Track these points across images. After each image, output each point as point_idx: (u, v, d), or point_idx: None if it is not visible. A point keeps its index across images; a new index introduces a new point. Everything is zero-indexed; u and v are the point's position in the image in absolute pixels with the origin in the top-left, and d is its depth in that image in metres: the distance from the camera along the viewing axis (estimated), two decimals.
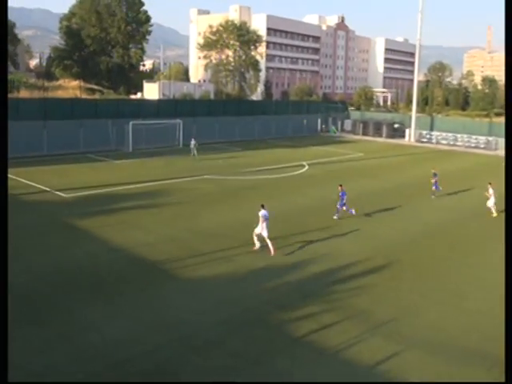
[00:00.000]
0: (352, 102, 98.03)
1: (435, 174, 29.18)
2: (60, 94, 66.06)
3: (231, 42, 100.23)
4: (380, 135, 65.79)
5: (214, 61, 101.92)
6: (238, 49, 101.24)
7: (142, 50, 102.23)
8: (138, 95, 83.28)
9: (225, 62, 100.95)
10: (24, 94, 60.03)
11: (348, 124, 70.94)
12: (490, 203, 24.95)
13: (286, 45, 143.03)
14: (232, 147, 51.75)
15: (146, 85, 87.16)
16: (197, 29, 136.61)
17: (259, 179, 34.30)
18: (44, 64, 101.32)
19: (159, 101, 60.25)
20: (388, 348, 12.07)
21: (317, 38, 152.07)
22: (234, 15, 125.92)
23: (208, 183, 32.32)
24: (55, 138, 43.95)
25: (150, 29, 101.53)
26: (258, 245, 18.93)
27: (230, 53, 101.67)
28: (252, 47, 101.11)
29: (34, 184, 30.54)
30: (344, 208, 23.48)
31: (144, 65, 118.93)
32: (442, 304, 14.53)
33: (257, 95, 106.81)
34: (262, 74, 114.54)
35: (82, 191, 28.89)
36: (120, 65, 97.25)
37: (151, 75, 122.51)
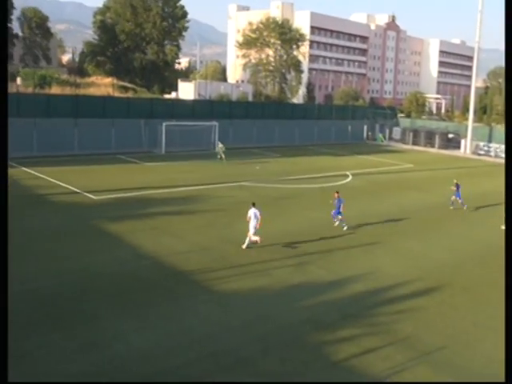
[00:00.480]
0: (402, 108, 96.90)
1: (457, 185, 29.32)
2: (92, 91, 67.92)
3: (272, 40, 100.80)
4: (432, 145, 64.73)
5: (253, 60, 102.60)
6: (279, 48, 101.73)
7: (178, 47, 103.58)
8: (173, 95, 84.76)
9: (265, 61, 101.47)
10: (56, 90, 61.84)
11: (397, 132, 70.17)
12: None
13: (331, 45, 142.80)
14: (270, 153, 51.98)
15: (181, 84, 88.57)
16: (236, 26, 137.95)
17: (299, 188, 34.33)
18: (76, 60, 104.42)
19: (194, 101, 61.47)
20: (437, 379, 11.79)
21: (365, 38, 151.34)
22: (275, 12, 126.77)
23: (244, 190, 32.58)
24: (86, 137, 45.38)
25: (186, 25, 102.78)
26: (249, 241, 20.44)
27: (270, 52, 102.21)
28: (294, 46, 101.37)
29: (63, 184, 31.49)
30: (340, 216, 23.79)
31: (179, 63, 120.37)
32: (498, 333, 13.97)
33: (298, 98, 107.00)
34: (305, 76, 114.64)
35: (112, 194, 29.57)
36: (154, 62, 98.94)
37: (187, 74, 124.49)
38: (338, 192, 24.46)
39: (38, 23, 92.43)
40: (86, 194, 29.22)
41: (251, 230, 20.35)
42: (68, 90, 63.15)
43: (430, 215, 28.03)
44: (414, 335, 13.81)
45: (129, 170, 38.90)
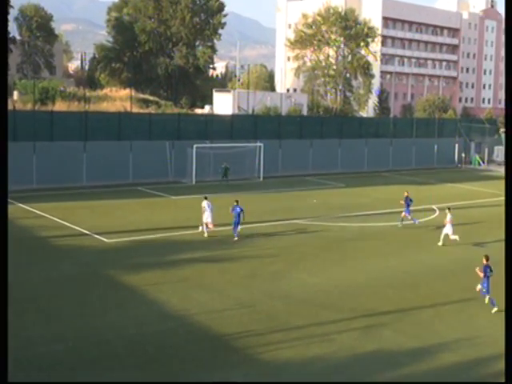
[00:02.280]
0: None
1: (407, 198, 33.48)
2: (105, 106, 69.96)
3: (333, 36, 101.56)
4: None
5: (308, 63, 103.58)
6: (342, 46, 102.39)
7: (213, 49, 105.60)
8: (206, 109, 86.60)
9: (323, 64, 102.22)
10: (60, 106, 64.23)
11: (499, 152, 69.21)
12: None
13: (410, 40, 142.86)
14: (331, 182, 52.31)
15: (216, 95, 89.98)
16: (286, 20, 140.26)
17: (369, 227, 34.33)
18: (86, 67, 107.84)
19: (233, 117, 62.69)
20: None
21: (455, 31, 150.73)
22: (337, 1, 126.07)
23: (298, 230, 32.68)
24: (97, 164, 46.95)
25: (223, 20, 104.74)
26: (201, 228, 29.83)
27: (330, 52, 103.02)
28: (362, 44, 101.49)
29: (69, 225, 32.42)
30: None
31: (214, 68, 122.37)
32: None
33: (367, 110, 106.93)
34: (376, 81, 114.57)
35: (130, 236, 30.21)
36: (183, 68, 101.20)
37: (224, 82, 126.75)
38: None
39: (40, 23, 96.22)
40: (97, 236, 29.91)
41: (208, 219, 29.97)
42: (75, 106, 65.40)
43: None
44: None
45: (150, 205, 39.73)
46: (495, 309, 20.58)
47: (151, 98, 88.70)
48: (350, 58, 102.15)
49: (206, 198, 31.39)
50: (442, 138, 68.91)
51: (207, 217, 30.55)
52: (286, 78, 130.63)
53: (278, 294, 21.82)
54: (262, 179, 51.01)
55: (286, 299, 21.19)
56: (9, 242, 27.01)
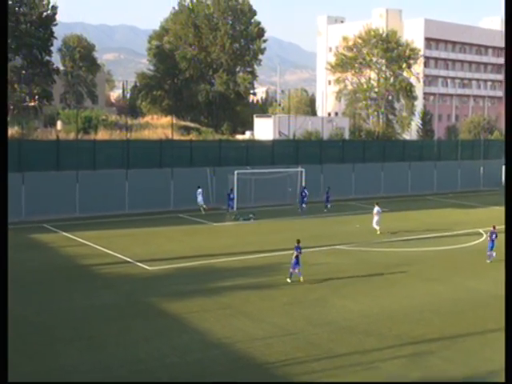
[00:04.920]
0: None
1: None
2: (147, 134, 71.12)
3: (374, 59, 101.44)
4: None
5: (349, 86, 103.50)
6: (383, 68, 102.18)
7: (253, 75, 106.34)
8: (247, 135, 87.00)
9: (365, 87, 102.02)
10: (103, 134, 65.30)
11: None
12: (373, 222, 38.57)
13: (454, 60, 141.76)
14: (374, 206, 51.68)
15: (257, 121, 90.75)
16: (327, 43, 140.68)
17: (414, 252, 33.97)
18: (127, 96, 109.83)
19: (275, 142, 62.71)
20: None
21: (500, 50, 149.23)
22: (378, 22, 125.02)
23: (340, 256, 32.60)
24: (139, 191, 47.62)
25: (263, 46, 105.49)
26: None
27: (372, 74, 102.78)
28: (404, 66, 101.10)
29: (111, 252, 32.83)
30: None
31: (255, 94, 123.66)
32: None
33: (410, 133, 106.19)
34: (419, 103, 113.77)
35: (172, 263, 30.49)
36: (223, 95, 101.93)
37: (264, 108, 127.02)
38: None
39: (83, 54, 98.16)
40: (139, 263, 30.26)
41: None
42: (117, 135, 66.54)
43: None
44: None
45: (192, 232, 40.03)
46: None
47: (192, 124, 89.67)
48: (392, 80, 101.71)
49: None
50: (488, 160, 68.00)
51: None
52: (327, 102, 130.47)
53: (321, 321, 21.70)
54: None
55: (328, 326, 21.07)
56: (52, 272, 28.22)
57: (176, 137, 65.73)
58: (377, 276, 28.39)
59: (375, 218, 39.68)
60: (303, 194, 48.99)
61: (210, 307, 23.19)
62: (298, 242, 27.30)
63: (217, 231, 40.86)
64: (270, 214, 47.10)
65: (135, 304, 23.73)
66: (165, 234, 38.79)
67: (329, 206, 49.79)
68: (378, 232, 39.18)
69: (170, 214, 46.80)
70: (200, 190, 47.63)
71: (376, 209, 39.94)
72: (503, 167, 67.98)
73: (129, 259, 31.19)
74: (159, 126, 79.05)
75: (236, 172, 48.75)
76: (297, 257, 26.93)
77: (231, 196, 47.87)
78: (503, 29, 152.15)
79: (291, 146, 58.74)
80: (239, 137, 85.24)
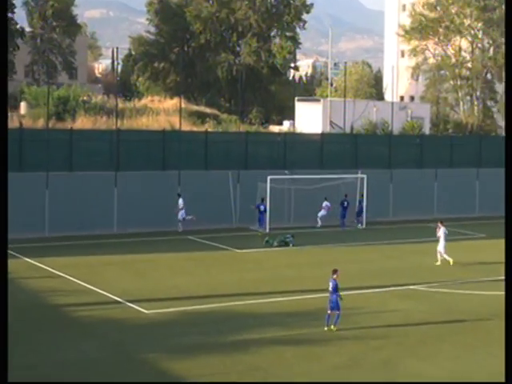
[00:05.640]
0: None
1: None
2: (144, 122, 71.35)
3: (467, 21, 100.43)
4: None
5: (431, 59, 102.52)
6: (480, 35, 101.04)
7: (295, 42, 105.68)
8: (285, 126, 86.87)
9: (454, 60, 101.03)
10: (84, 122, 65.58)
11: None
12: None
13: None
14: (467, 230, 51.62)
15: (299, 106, 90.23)
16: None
17: None
18: (119, 69, 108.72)
19: (324, 137, 62.16)
20: None
21: None
22: None
23: (415, 300, 32.41)
24: (133, 203, 47.86)
25: (309, 1, 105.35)
26: None
27: (464, 43, 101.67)
28: None
29: (93, 288, 32.76)
30: None
31: (297, 68, 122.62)
32: None
33: None
34: None
35: (178, 305, 30.32)
36: (253, 69, 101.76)
37: (310, 88, 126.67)
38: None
39: (57, 10, 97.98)
40: (131, 305, 30.07)
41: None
42: (104, 123, 66.94)
43: None
44: None
45: (206, 261, 40.40)
46: None
47: (208, 110, 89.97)
48: (491, 51, 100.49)
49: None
50: None
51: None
52: (398, 82, 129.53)
53: None
54: (364, 226, 51.09)
55: None
56: (13, 312, 28.05)
57: (185, 127, 65.46)
58: (467, 330, 28.13)
59: (442, 243, 40.51)
60: (345, 204, 50.61)
61: (230, 369, 22.80)
62: (335, 271, 27.37)
63: (240, 260, 41.20)
64: (315, 237, 47.49)
65: (127, 360, 23.51)
66: (168, 264, 38.97)
67: (360, 225, 51.18)
68: (451, 263, 40.02)
69: (175, 235, 47.38)
70: (181, 201, 48.27)
71: (442, 230, 40.84)
72: None
73: (117, 298, 31.09)
74: (162, 111, 79.44)
75: (269, 178, 48.96)
76: (335, 292, 27.07)
77: (262, 208, 48.69)
78: None
79: (347, 143, 58.56)
80: (274, 128, 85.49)
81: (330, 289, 27.20)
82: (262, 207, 48.63)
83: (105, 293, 32.08)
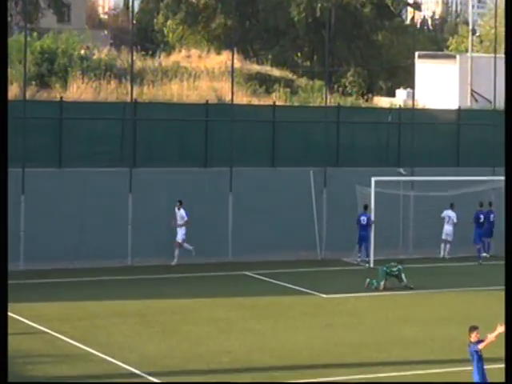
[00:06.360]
0: None
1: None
2: (176, 90, 69.92)
3: None
4: None
5: None
6: None
7: None
8: (399, 97, 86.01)
9: None
10: (82, 90, 64.45)
11: None
12: None
13: None
14: None
15: (421, 65, 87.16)
16: None
17: None
18: (135, 6, 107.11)
19: (462, 114, 60.34)
20: None
21: None
22: None
23: None
24: (155, 218, 47.29)
25: None
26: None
27: None
28: None
29: (95, 352, 30.63)
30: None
31: (417, 5, 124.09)
32: None
33: None
34: None
35: (226, 377, 28.66)
36: (346, 7, 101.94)
37: (439, 37, 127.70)
38: None
39: None
40: (154, 379, 28.11)
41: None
42: (112, 91, 65.89)
43: None
44: None
45: (279, 311, 39.04)
46: None
47: (277, 72, 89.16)
48: None
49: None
50: None
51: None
52: None
53: None
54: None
55: None
56: None
57: (240, 98, 64.93)
58: None
59: None
60: (480, 217, 51.34)
61: None
62: (474, 329, 25.14)
63: (329, 312, 39.73)
64: (442, 272, 47.75)
65: None
66: (211, 315, 37.61)
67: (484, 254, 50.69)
68: None
69: (223, 268, 47.00)
70: (183, 213, 47.49)
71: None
72: None
73: (132, 369, 28.68)
74: (204, 73, 78.47)
75: (374, 180, 48.05)
76: (477, 362, 24.98)
77: (364, 222, 48.55)
78: None
79: (499, 125, 52.46)
80: (381, 101, 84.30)
81: (470, 357, 25.36)
82: (363, 219, 48.47)
83: (112, 359, 29.62)
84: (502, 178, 48.63)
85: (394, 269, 43.60)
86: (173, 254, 46.86)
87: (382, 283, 43.21)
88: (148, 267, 46.05)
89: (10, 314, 34.18)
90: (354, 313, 39.55)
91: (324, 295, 42.03)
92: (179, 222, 46.90)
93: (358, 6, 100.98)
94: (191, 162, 49.15)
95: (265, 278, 45.43)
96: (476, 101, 78.33)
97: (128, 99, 53.40)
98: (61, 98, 52.84)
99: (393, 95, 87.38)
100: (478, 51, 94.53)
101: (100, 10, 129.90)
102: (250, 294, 41.68)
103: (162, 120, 49.71)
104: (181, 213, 46.77)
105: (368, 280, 43.73)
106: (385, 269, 43.73)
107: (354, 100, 79.94)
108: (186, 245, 46.97)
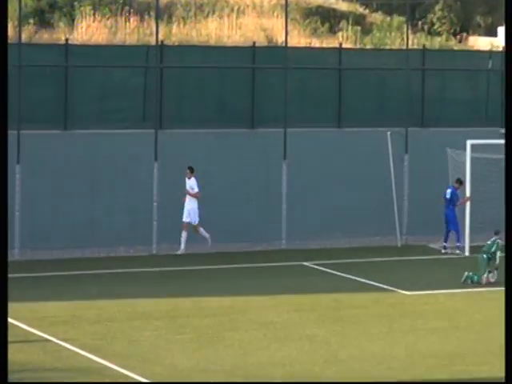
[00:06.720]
0: None
1: None
2: (213, 29, 69.90)
3: None
4: None
5: None
6: None
7: None
8: (501, 37, 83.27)
9: None
10: (93, 30, 64.27)
11: None
12: None
13: None
14: None
15: None
16: None
17: None
18: None
19: None
20: None
21: None
22: None
23: None
24: (173, 197, 47.43)
25: None
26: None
27: None
28: None
29: (113, 367, 28.81)
30: None
31: None
32: None
33: None
34: None
35: None
36: None
37: None
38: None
39: None
40: None
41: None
42: (131, 32, 65.83)
43: None
44: None
45: (348, 312, 37.96)
46: None
47: (344, 5, 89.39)
48: None
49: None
50: None
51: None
52: None
53: None
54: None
55: None
56: None
57: (296, 39, 64.63)
58: None
59: None
60: None
61: None
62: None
63: (413, 312, 38.14)
64: None
65: None
66: (259, 316, 36.30)
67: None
68: None
69: (275, 257, 46.72)
70: (194, 183, 47.24)
71: None
72: None
73: None
74: (250, 6, 78.49)
75: (469, 143, 47.34)
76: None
77: (448, 195, 48.11)
78: None
79: None
80: (478, 42, 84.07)
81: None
82: (449, 193, 47.82)
83: (133, 375, 27.62)
84: None
85: (493, 247, 41.65)
86: (179, 240, 46.20)
87: (485, 276, 41.18)
88: (177, 256, 45.97)
89: (10, 319, 32.68)
90: (444, 315, 38.06)
91: (406, 292, 41.15)
92: (191, 190, 46.70)
93: None
94: (233, 122, 48.86)
95: (328, 270, 44.99)
96: None
97: (152, 41, 52.83)
98: (66, 40, 52.16)
99: (494, 34, 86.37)
100: None
101: None
102: (309, 291, 40.27)
103: (196, 68, 49.26)
104: (191, 183, 46.63)
105: (466, 274, 41.70)
106: (485, 256, 41.60)
107: (444, 41, 79.58)
108: (202, 230, 46.76)
